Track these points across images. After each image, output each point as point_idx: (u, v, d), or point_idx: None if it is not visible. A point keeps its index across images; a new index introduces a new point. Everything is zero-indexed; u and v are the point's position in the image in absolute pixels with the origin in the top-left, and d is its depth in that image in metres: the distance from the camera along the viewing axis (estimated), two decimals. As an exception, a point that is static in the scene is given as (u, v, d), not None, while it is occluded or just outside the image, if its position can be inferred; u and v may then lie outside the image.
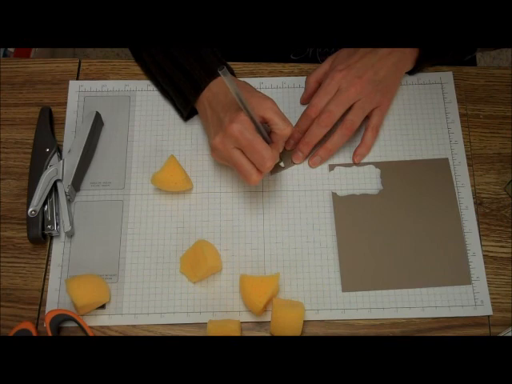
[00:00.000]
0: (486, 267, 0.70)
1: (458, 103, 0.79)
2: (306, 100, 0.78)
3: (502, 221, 0.73)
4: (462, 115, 0.78)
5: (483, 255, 0.71)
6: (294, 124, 0.75)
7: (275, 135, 0.68)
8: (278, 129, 0.67)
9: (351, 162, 0.76)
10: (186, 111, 0.75)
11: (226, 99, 0.68)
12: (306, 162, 0.76)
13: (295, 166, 0.75)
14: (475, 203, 0.73)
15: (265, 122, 0.67)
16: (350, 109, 0.72)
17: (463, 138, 0.77)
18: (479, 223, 0.73)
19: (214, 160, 0.75)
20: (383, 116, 0.76)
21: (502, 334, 0.66)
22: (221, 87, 0.70)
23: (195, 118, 0.78)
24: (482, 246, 0.71)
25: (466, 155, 0.76)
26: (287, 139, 0.75)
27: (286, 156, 0.76)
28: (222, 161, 0.70)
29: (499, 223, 0.73)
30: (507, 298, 0.69)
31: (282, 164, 0.75)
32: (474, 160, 0.76)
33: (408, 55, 0.76)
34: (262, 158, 0.65)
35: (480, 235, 0.72)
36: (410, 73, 0.80)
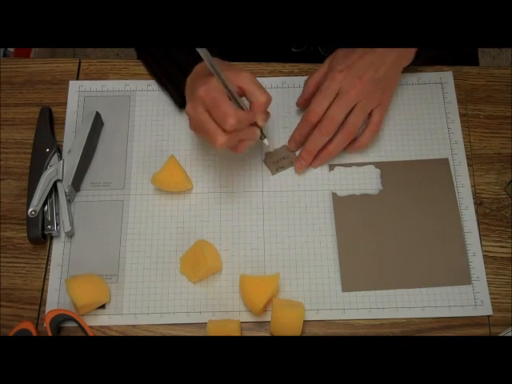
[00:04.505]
0: (486, 267, 0.70)
1: (458, 103, 0.79)
2: (303, 104, 0.77)
3: (501, 221, 0.73)
4: (461, 115, 0.78)
5: (483, 255, 0.71)
6: (293, 125, 0.75)
7: (253, 105, 0.66)
8: (254, 98, 0.66)
9: (351, 162, 0.76)
10: (179, 98, 0.76)
11: (203, 72, 0.67)
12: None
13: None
14: (475, 203, 0.73)
15: (242, 92, 0.66)
16: (351, 110, 0.72)
17: (463, 138, 0.77)
18: (479, 223, 0.73)
19: (215, 161, 0.76)
20: (384, 113, 0.75)
21: (502, 334, 0.66)
22: (203, 67, 0.68)
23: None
24: (482, 246, 0.71)
25: (466, 155, 0.76)
26: (289, 141, 0.75)
27: (287, 156, 0.76)
28: (197, 131, 0.68)
29: (499, 223, 0.73)
30: (507, 297, 0.69)
31: (266, 142, 0.71)
32: (474, 160, 0.76)
33: (408, 49, 0.75)
34: (223, 113, 0.62)
35: (480, 235, 0.72)
36: (412, 63, 0.77)
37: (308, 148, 0.73)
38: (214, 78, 0.64)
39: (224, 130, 0.64)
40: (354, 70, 0.71)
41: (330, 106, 0.71)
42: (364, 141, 0.74)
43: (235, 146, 0.67)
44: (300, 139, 0.74)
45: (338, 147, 0.73)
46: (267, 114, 0.69)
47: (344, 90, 0.70)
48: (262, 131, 0.69)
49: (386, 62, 0.72)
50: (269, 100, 0.66)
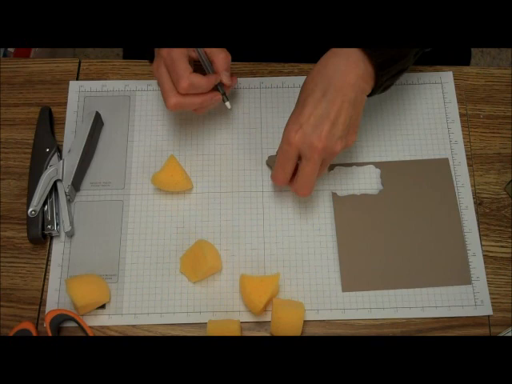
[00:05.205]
0: (485, 267, 0.70)
1: (458, 103, 0.79)
2: None
3: (501, 221, 0.73)
4: (461, 115, 0.78)
5: (483, 255, 0.71)
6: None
7: (215, 64, 0.69)
8: (215, 56, 0.68)
9: (351, 162, 0.76)
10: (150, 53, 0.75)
11: None
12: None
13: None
14: (475, 203, 0.73)
15: (208, 55, 0.69)
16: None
17: (463, 138, 0.77)
18: (479, 223, 0.73)
19: (213, 161, 0.76)
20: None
21: (502, 334, 0.66)
22: None
23: (196, 119, 0.78)
24: (482, 246, 0.71)
25: (466, 155, 0.76)
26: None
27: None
28: (160, 88, 0.70)
29: (499, 223, 0.73)
30: (507, 297, 0.69)
31: (228, 105, 0.72)
32: (473, 160, 0.76)
33: (363, 81, 0.64)
34: (177, 75, 0.65)
35: (480, 235, 0.72)
36: (373, 93, 0.68)
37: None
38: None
39: (178, 92, 0.66)
40: (309, 128, 0.62)
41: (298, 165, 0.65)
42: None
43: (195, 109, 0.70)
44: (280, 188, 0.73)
45: None
46: (233, 77, 0.72)
47: (305, 156, 0.63)
48: (225, 94, 0.71)
49: (343, 108, 0.63)
50: (228, 56, 0.68)
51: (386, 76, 0.65)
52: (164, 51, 0.66)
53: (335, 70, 0.63)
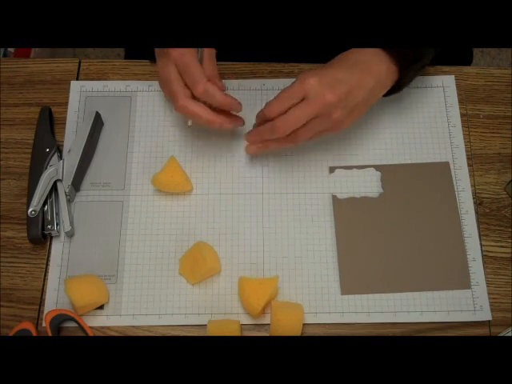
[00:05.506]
0: (485, 267, 0.70)
1: (458, 103, 0.79)
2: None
3: (501, 221, 0.73)
4: (462, 115, 0.78)
5: (483, 255, 0.71)
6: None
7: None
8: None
9: (351, 165, 0.75)
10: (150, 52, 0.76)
11: None
12: (305, 166, 0.75)
13: (294, 168, 0.75)
14: (475, 203, 0.73)
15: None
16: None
17: (463, 139, 0.77)
18: (479, 223, 0.72)
19: (209, 156, 0.76)
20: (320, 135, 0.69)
21: (502, 334, 0.66)
22: None
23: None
24: (482, 249, 0.71)
25: (466, 155, 0.76)
26: (248, 134, 0.72)
27: None
28: (164, 88, 0.71)
29: (499, 223, 0.73)
30: (507, 298, 0.69)
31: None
32: (474, 160, 0.76)
33: (384, 76, 0.67)
34: (194, 78, 0.65)
35: (480, 240, 0.71)
36: (395, 90, 0.72)
37: (251, 136, 0.70)
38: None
39: (192, 95, 0.67)
40: (328, 80, 0.64)
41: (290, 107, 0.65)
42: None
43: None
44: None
45: (274, 147, 0.70)
46: (238, 103, 0.71)
47: (311, 97, 0.63)
48: None
49: (362, 89, 0.65)
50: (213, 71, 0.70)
51: (410, 72, 0.69)
52: (176, 52, 0.66)
53: (360, 56, 0.66)
